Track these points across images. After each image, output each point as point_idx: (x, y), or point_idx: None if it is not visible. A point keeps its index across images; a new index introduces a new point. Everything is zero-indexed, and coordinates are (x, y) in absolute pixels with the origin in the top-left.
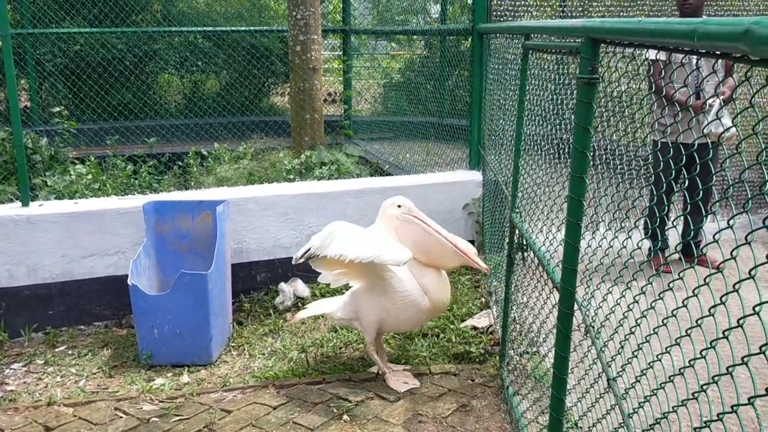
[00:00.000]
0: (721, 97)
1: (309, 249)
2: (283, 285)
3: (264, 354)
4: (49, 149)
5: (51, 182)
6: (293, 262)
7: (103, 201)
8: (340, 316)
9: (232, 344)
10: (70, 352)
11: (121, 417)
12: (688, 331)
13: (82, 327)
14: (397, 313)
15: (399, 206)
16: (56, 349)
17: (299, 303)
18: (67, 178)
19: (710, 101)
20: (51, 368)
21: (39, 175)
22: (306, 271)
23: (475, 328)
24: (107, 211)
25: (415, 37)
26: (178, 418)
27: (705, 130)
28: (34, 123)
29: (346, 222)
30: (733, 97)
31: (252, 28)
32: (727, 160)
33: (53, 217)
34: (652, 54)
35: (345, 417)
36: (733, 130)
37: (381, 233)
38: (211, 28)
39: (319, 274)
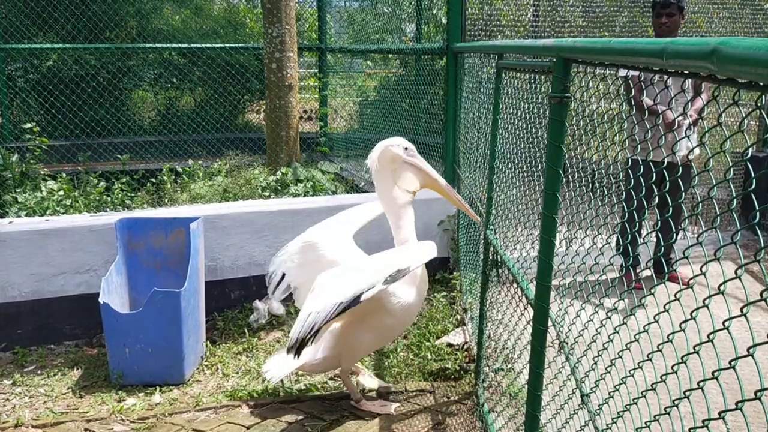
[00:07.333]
0: (689, 120)
1: (313, 326)
2: (257, 303)
3: (237, 373)
4: (20, 165)
5: (21, 199)
6: (291, 348)
7: (74, 218)
8: (320, 360)
9: (205, 363)
10: (39, 372)
11: None
12: (660, 347)
13: (51, 346)
14: (399, 320)
15: (406, 148)
16: (25, 369)
17: (273, 321)
18: (38, 194)
19: (679, 120)
20: (19, 389)
21: (9, 191)
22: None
23: (450, 345)
24: (79, 229)
25: (390, 55)
26: None
27: (675, 149)
28: (5, 139)
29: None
30: (702, 116)
31: (228, 45)
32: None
33: (23, 235)
34: (623, 71)
35: None
36: (697, 150)
37: (359, 256)
38: (186, 45)
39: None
